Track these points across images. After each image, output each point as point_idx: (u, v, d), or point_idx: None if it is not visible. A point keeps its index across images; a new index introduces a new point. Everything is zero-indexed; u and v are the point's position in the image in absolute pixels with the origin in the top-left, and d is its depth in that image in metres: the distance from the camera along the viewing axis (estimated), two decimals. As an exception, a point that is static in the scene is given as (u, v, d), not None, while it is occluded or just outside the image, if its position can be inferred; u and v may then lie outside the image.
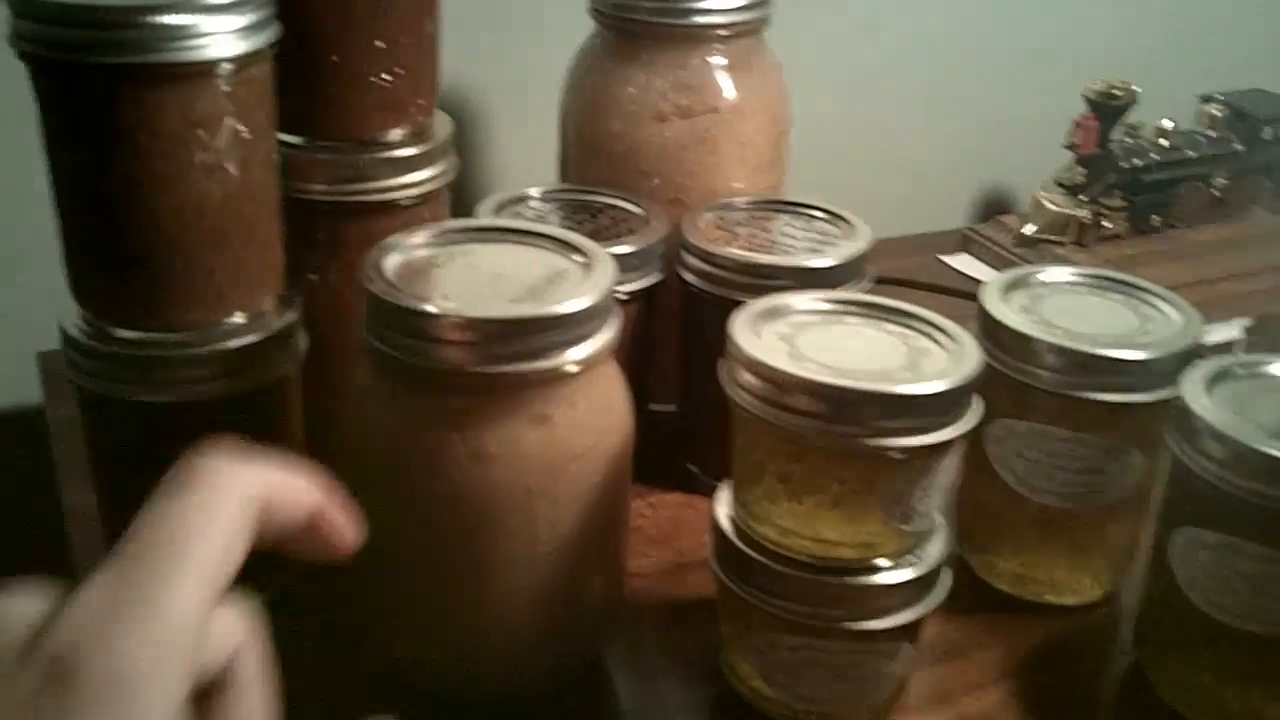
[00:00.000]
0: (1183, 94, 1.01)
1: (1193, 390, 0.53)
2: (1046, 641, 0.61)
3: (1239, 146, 0.98)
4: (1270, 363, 0.55)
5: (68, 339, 0.54)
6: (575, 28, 0.73)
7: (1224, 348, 0.75)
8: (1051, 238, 0.93)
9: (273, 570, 0.58)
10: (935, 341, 0.52)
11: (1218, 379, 0.54)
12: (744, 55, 0.70)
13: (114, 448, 0.56)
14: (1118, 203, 0.94)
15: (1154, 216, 0.96)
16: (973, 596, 0.63)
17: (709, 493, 0.56)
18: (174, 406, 0.54)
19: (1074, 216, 0.93)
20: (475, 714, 0.54)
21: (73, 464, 0.69)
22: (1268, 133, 0.97)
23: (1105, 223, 0.94)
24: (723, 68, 0.70)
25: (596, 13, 0.71)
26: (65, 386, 0.74)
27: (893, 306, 0.54)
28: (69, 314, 0.55)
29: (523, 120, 0.86)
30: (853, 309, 0.54)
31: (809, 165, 0.82)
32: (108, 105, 0.49)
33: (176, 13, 0.48)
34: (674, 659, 0.59)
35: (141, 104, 0.49)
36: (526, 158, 0.83)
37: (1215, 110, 0.98)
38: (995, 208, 1.09)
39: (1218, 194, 0.98)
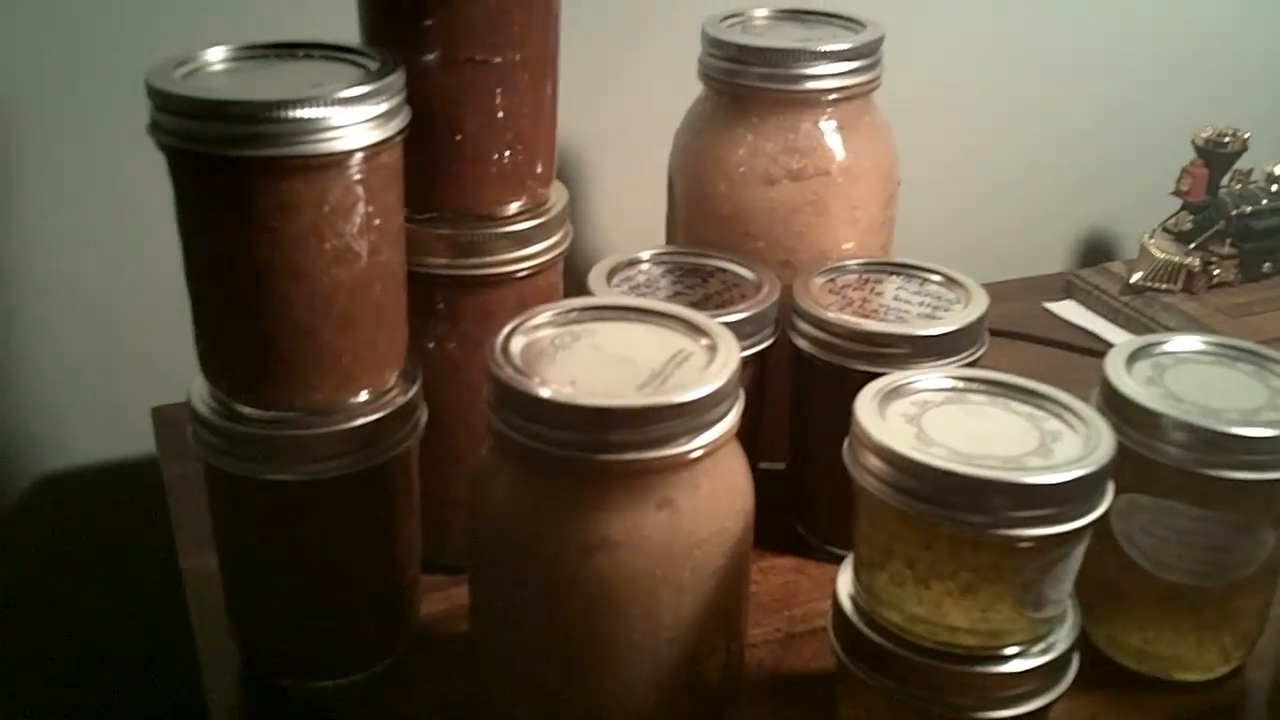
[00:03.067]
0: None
1: (1331, 472, 0.52)
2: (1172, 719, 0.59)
3: (1354, 191, 0.96)
4: None
5: (197, 416, 0.56)
6: (684, 91, 0.73)
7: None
8: (1159, 285, 0.92)
9: (387, 640, 0.59)
10: (1066, 424, 0.51)
11: (1355, 459, 0.53)
12: (854, 117, 0.70)
13: (239, 523, 0.57)
14: (1227, 250, 0.92)
15: (1266, 264, 0.94)
16: (1094, 670, 0.62)
17: (819, 556, 0.56)
18: (301, 485, 0.55)
19: (1183, 264, 0.91)
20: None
21: (189, 524, 0.70)
22: (1382, 177, 0.95)
23: (1215, 270, 0.92)
24: (833, 130, 0.70)
25: (706, 77, 0.71)
26: (180, 444, 0.76)
27: (1021, 386, 0.53)
28: (197, 390, 0.56)
29: (632, 183, 0.87)
30: (978, 387, 0.54)
31: (914, 209, 0.82)
32: (244, 196, 0.50)
33: (311, 106, 0.49)
34: (790, 733, 0.59)
35: (277, 195, 0.50)
36: (634, 220, 0.83)
37: (1328, 155, 0.96)
38: (1098, 253, 1.08)
39: (1331, 240, 0.96)
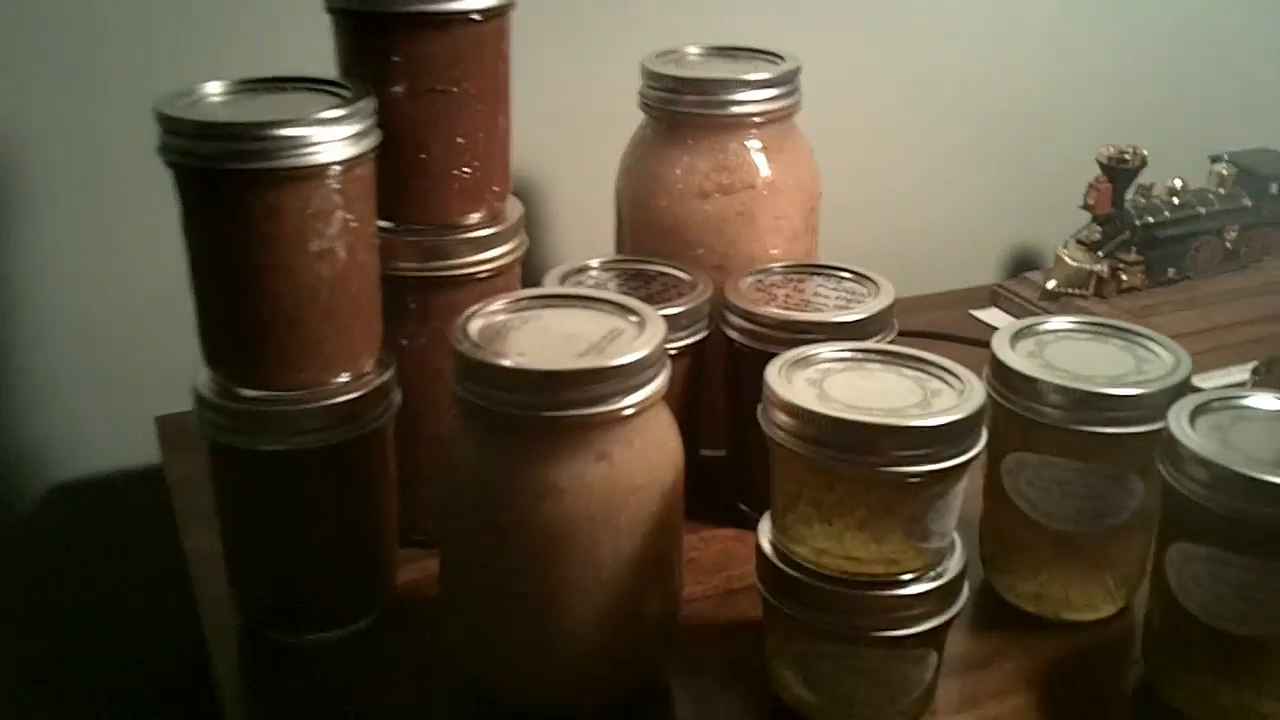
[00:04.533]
0: (1193, 155, 1.09)
1: (1178, 421, 0.60)
2: (1064, 654, 0.67)
3: (1248, 202, 1.05)
4: (1246, 396, 0.62)
5: (200, 398, 0.64)
6: (627, 120, 0.82)
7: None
8: (1073, 291, 1.00)
9: (368, 599, 0.67)
10: (945, 383, 0.60)
11: (1200, 411, 0.61)
12: (777, 138, 0.79)
13: (237, 491, 0.65)
14: (1134, 257, 1.01)
15: (1169, 269, 1.03)
16: (997, 616, 0.70)
17: (756, 527, 0.64)
18: (290, 454, 0.63)
19: (1093, 271, 1.00)
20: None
21: (191, 514, 0.78)
22: (1275, 188, 1.04)
23: (1123, 276, 1.01)
24: (758, 149, 0.79)
25: (646, 105, 0.80)
26: (182, 446, 0.84)
27: (909, 354, 0.62)
28: (201, 378, 0.64)
29: (582, 201, 0.96)
30: (874, 357, 0.62)
31: (851, 232, 0.91)
32: (239, 204, 0.58)
33: (296, 126, 0.58)
34: (726, 673, 0.66)
35: (267, 202, 0.58)
36: (586, 233, 0.92)
37: (1224, 169, 1.05)
38: (1024, 265, 1.17)
39: (1229, 246, 1.05)
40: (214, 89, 0.63)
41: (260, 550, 0.66)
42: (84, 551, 0.96)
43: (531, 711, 0.62)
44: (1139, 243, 1.01)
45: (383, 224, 0.67)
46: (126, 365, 0.93)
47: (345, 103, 0.61)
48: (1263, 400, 0.62)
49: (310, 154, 0.58)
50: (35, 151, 0.86)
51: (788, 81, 0.79)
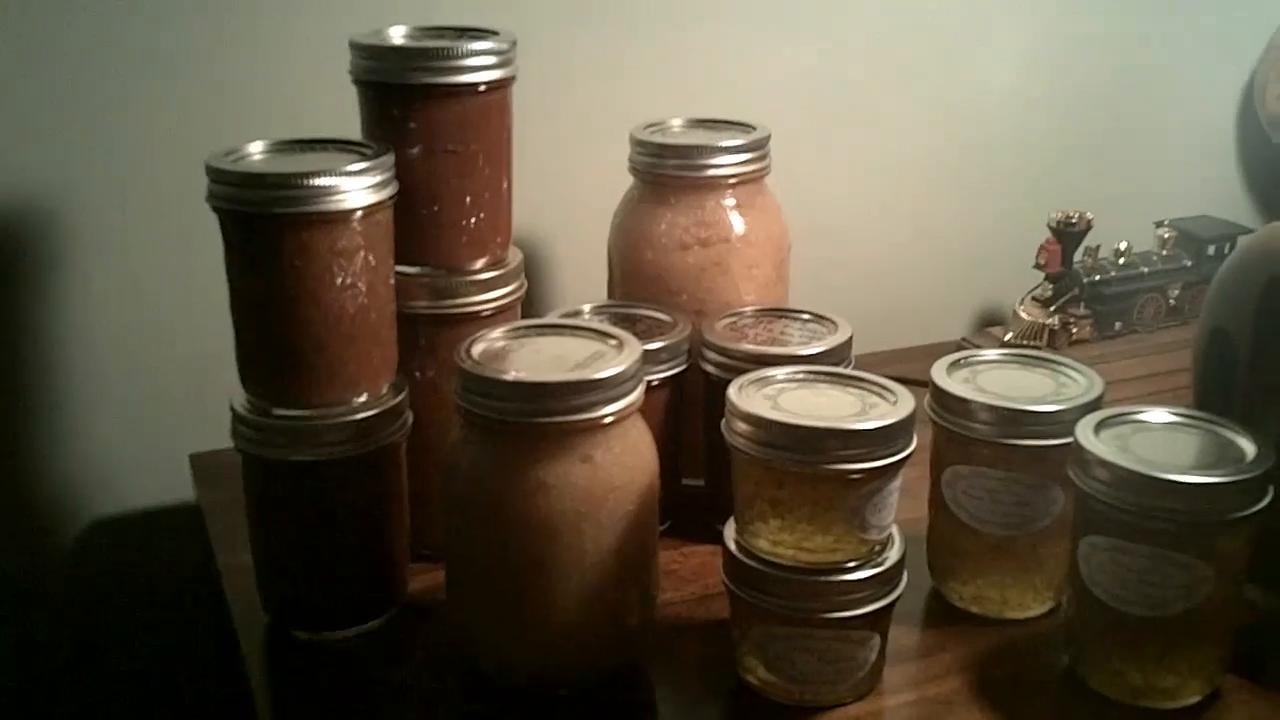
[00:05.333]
0: (1141, 222, 1.19)
1: (1085, 432, 0.69)
2: (999, 645, 0.76)
3: (1188, 262, 1.15)
4: (1144, 411, 0.71)
5: (236, 415, 0.73)
6: (617, 181, 0.92)
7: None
8: (1028, 343, 1.10)
9: (382, 599, 0.76)
10: (882, 398, 0.69)
11: (1104, 424, 0.70)
12: (749, 197, 0.89)
13: (268, 499, 0.75)
14: (1083, 312, 1.11)
15: (1117, 323, 1.12)
16: (942, 615, 0.79)
17: (726, 534, 0.72)
18: (315, 464, 0.72)
19: (1046, 325, 1.10)
20: (538, 704, 0.70)
21: (222, 536, 0.87)
22: (1212, 250, 1.14)
23: (1073, 329, 1.10)
24: (732, 208, 0.89)
25: (634, 169, 0.91)
26: (214, 480, 0.94)
27: (852, 375, 0.71)
28: (237, 398, 0.74)
29: (578, 253, 1.06)
30: (822, 377, 0.72)
31: (829, 295, 1.00)
32: (276, 243, 0.68)
33: (325, 177, 0.68)
34: (698, 661, 0.75)
35: (299, 242, 0.68)
36: (581, 282, 1.03)
37: (1165, 233, 1.15)
38: (990, 320, 1.26)
39: (1173, 303, 1.15)
40: (255, 148, 0.74)
41: (287, 553, 0.75)
42: (121, 583, 1.04)
43: (524, 686, 0.71)
44: (1087, 298, 1.11)
45: (399, 268, 0.77)
46: (162, 406, 1.01)
47: (367, 158, 0.71)
48: (1158, 415, 0.71)
49: (337, 201, 0.68)
50: (81, 200, 0.96)
51: (759, 148, 0.89)
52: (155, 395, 1.01)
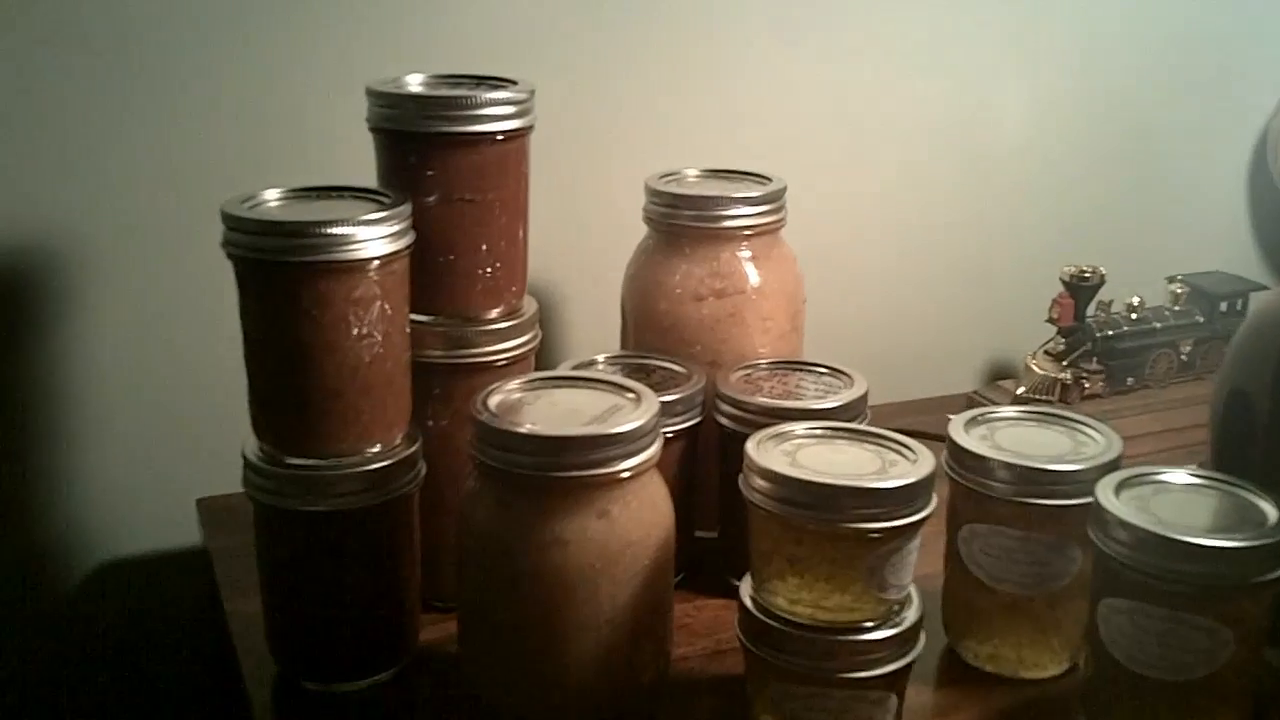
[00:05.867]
0: (1152, 277, 1.19)
1: (1105, 492, 0.68)
2: (1015, 706, 0.75)
3: (1200, 318, 1.15)
4: (1165, 472, 0.71)
5: (249, 464, 0.73)
6: (632, 231, 0.92)
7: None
8: (1041, 397, 1.09)
9: (393, 651, 0.75)
10: (902, 455, 0.69)
11: (1125, 484, 0.69)
12: (764, 249, 0.89)
13: (280, 549, 0.74)
14: (1095, 366, 1.10)
15: (1129, 378, 1.12)
16: (957, 674, 0.78)
17: (741, 588, 0.72)
18: (328, 514, 0.71)
19: (1058, 379, 1.09)
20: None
21: (230, 582, 0.86)
22: (1224, 306, 1.14)
23: (1085, 383, 1.10)
24: (748, 259, 0.88)
25: (649, 219, 0.90)
26: (221, 524, 0.93)
27: (871, 431, 0.71)
28: (249, 446, 0.73)
29: (592, 302, 1.06)
30: (841, 434, 0.71)
31: (840, 346, 1.00)
32: (293, 291, 0.68)
33: (342, 225, 0.67)
34: (711, 717, 0.74)
35: (316, 291, 0.68)
36: (594, 331, 1.02)
37: (1178, 289, 1.15)
38: (1000, 374, 1.26)
39: (1185, 358, 1.14)
40: (271, 194, 0.73)
41: (299, 603, 0.74)
42: (127, 626, 1.03)
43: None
44: (1100, 353, 1.11)
45: (414, 316, 0.76)
46: (170, 449, 1.01)
47: (385, 207, 0.71)
48: (1179, 475, 0.71)
49: (354, 250, 0.68)
50: (95, 247, 0.95)
51: (775, 199, 0.89)
52: (163, 438, 1.01)
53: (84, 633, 1.03)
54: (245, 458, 0.73)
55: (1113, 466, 0.73)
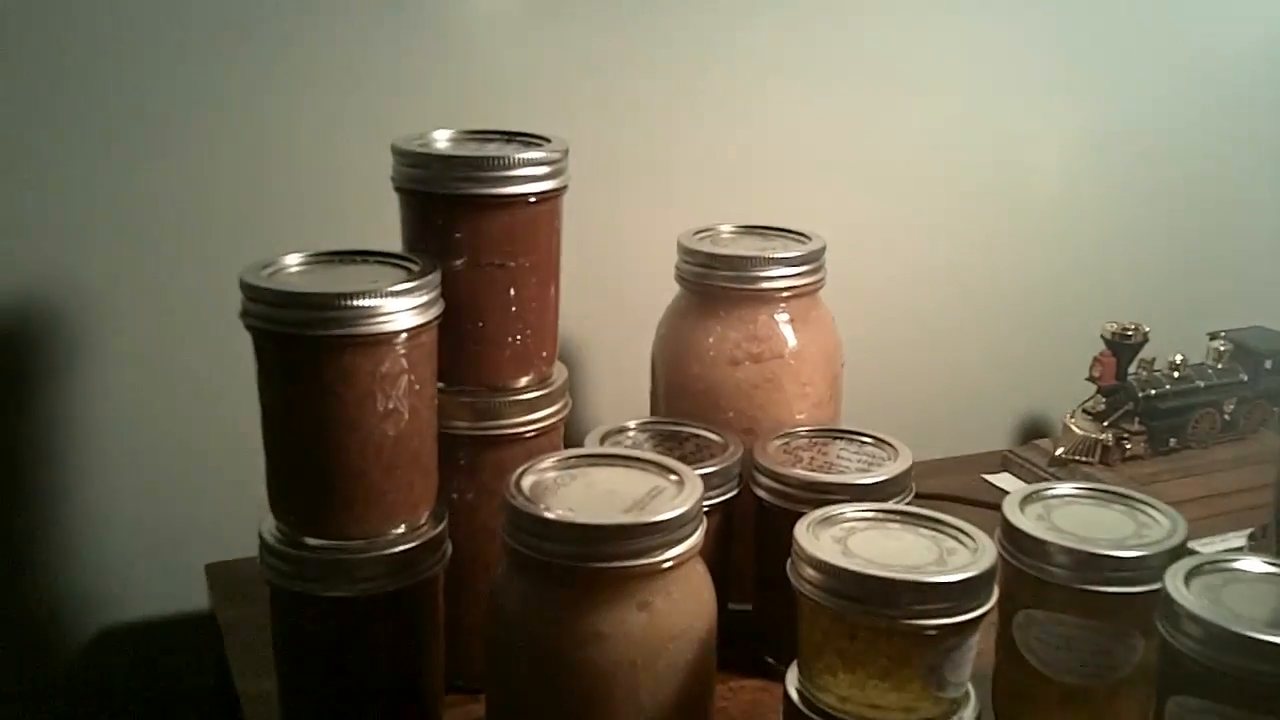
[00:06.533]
0: (1192, 332, 1.15)
1: (1174, 582, 0.64)
2: (1073, 803, 0.71)
3: (1244, 376, 1.11)
4: (1238, 559, 0.67)
5: (265, 545, 0.69)
6: (663, 291, 0.88)
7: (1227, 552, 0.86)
8: (1080, 458, 1.06)
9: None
10: (960, 543, 0.65)
11: (1195, 572, 0.65)
12: (803, 311, 0.85)
13: (297, 634, 0.70)
14: (1137, 427, 1.07)
15: (1171, 439, 1.08)
16: (1010, 767, 0.74)
17: (782, 679, 0.68)
18: (350, 600, 0.67)
19: (1099, 440, 1.06)
20: None
21: (242, 658, 0.82)
22: (1269, 364, 1.10)
23: (1127, 445, 1.06)
24: (786, 321, 0.85)
25: (682, 279, 0.87)
26: (231, 593, 0.89)
27: (927, 515, 0.67)
28: (266, 526, 0.70)
29: (620, 365, 1.02)
30: (894, 517, 0.67)
31: (868, 398, 0.97)
32: (315, 366, 0.64)
33: (369, 298, 0.64)
34: (754, 817, 0.70)
35: (341, 365, 0.64)
36: (622, 395, 0.98)
37: (1221, 346, 1.11)
38: (1033, 432, 1.22)
39: (1228, 418, 1.11)
40: (292, 260, 0.70)
41: (316, 690, 0.70)
42: (133, 693, 1.00)
43: None
44: (1142, 413, 1.07)
45: (438, 385, 0.72)
46: (176, 514, 0.97)
47: (414, 276, 0.67)
48: (1253, 564, 0.67)
49: (382, 323, 0.64)
50: (108, 308, 0.93)
51: (814, 259, 0.85)
52: (171, 503, 0.97)
53: (91, 699, 0.99)
54: (262, 537, 0.69)
55: (1179, 551, 0.69)
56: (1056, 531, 0.70)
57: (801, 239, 0.88)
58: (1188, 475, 1.06)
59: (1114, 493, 0.75)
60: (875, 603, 0.61)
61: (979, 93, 1.15)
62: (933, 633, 0.61)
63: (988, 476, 1.11)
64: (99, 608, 0.98)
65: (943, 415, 1.19)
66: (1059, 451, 1.07)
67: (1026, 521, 0.71)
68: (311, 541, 0.68)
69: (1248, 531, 0.91)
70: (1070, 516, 0.73)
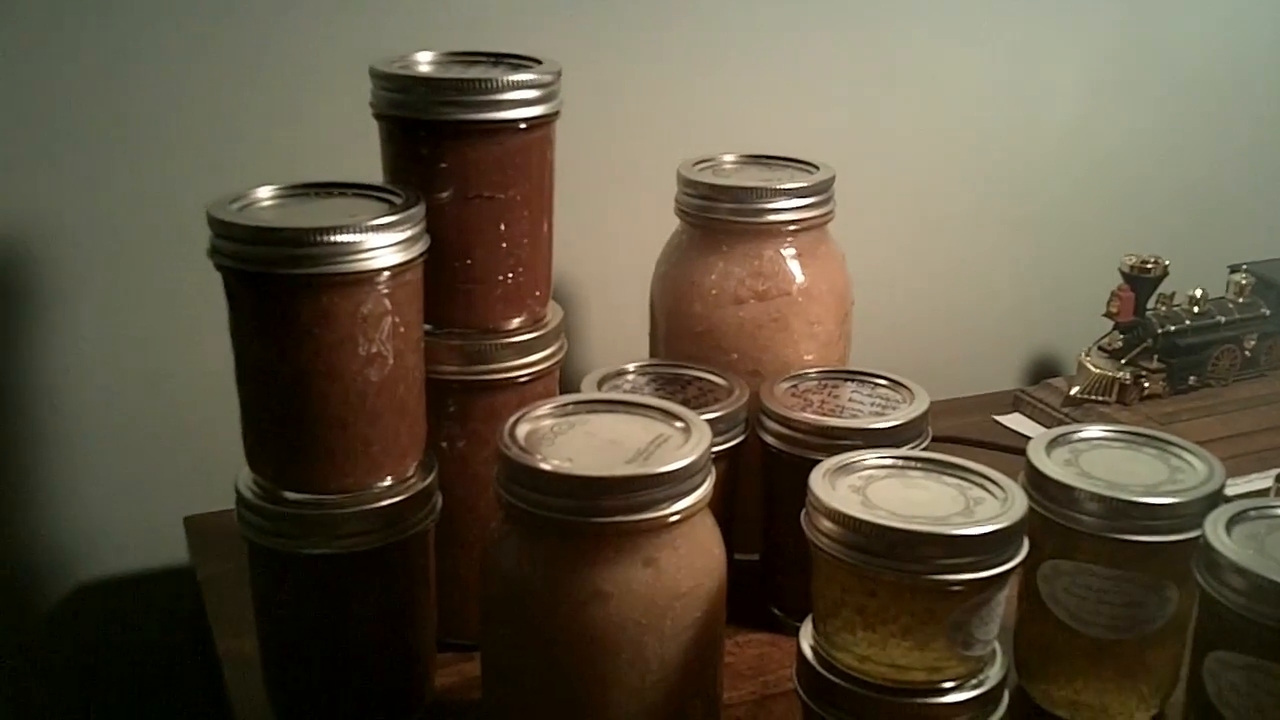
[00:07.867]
0: (1213, 265, 1.11)
1: (1214, 530, 0.60)
2: (1101, 762, 0.67)
3: (1266, 311, 1.06)
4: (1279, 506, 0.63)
5: (242, 500, 0.64)
6: (663, 225, 0.83)
7: (1256, 495, 0.82)
8: (1096, 398, 1.01)
9: (406, 702, 0.67)
10: (988, 491, 0.60)
11: (1236, 520, 0.61)
12: (811, 246, 0.81)
13: (278, 594, 0.66)
14: (1155, 365, 1.02)
15: (1191, 376, 1.04)
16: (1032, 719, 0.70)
17: (791, 632, 0.64)
18: (332, 558, 0.63)
19: (1115, 378, 1.01)
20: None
21: (222, 616, 0.78)
22: (1292, 297, 1.06)
23: (1145, 383, 1.02)
24: (793, 257, 0.80)
25: (682, 213, 0.82)
26: (211, 547, 0.85)
27: (950, 462, 0.63)
28: (243, 479, 0.65)
29: (619, 305, 0.97)
30: (915, 465, 0.63)
31: (874, 336, 0.92)
32: (291, 308, 0.59)
33: (348, 232, 0.59)
34: (765, 780, 0.66)
35: (318, 307, 0.59)
36: (620, 337, 0.93)
37: (1242, 279, 1.07)
38: (1045, 371, 1.18)
39: (1249, 354, 1.06)
40: (264, 193, 0.64)
41: (299, 652, 0.66)
42: (110, 649, 0.96)
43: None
44: (1160, 351, 1.02)
45: (426, 328, 0.68)
46: (154, 465, 0.93)
47: (396, 209, 0.62)
48: (1298, 510, 0.62)
49: (363, 260, 0.59)
50: (72, 248, 0.87)
51: (823, 190, 0.80)
52: (147, 453, 0.93)
53: (67, 655, 0.96)
54: (238, 491, 0.65)
55: (1217, 499, 0.64)
56: (1086, 477, 0.66)
57: (809, 169, 0.83)
58: (1208, 414, 1.01)
59: (1145, 435, 0.71)
60: (898, 557, 0.56)
61: (995, 19, 1.09)
62: (959, 589, 0.57)
63: (999, 418, 1.06)
64: (74, 562, 0.94)
65: (951, 354, 1.14)
66: (1074, 391, 1.03)
67: (1053, 467, 0.67)
68: (291, 496, 0.63)
69: (1275, 473, 0.87)
70: (1099, 461, 0.68)
